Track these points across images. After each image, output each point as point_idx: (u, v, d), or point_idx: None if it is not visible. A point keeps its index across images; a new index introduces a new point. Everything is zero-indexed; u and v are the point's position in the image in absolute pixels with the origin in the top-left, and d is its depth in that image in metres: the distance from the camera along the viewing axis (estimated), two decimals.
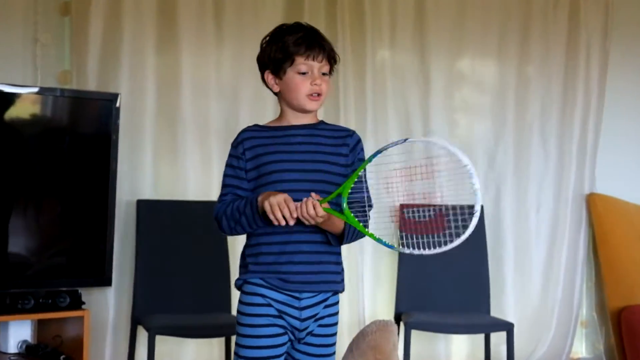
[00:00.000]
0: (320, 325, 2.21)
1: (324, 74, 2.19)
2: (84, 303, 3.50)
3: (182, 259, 3.88)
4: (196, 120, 4.04)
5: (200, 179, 4.05)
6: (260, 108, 4.08)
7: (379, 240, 2.12)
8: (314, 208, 2.04)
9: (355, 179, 2.10)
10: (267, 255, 2.17)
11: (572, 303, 4.53)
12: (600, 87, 4.59)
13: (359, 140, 2.28)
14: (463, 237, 2.11)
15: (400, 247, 2.13)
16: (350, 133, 2.28)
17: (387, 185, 2.18)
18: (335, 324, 2.25)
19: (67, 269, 3.54)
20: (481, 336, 4.19)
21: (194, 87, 4.03)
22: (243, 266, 2.24)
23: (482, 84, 4.54)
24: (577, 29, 4.55)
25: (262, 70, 2.23)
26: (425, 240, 2.11)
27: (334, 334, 2.25)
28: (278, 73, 2.19)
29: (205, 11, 4.03)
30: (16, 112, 3.45)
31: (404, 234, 2.13)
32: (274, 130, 2.23)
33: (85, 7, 3.81)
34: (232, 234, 2.24)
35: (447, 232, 2.11)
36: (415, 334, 3.86)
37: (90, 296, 3.73)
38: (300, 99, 2.18)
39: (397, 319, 4.01)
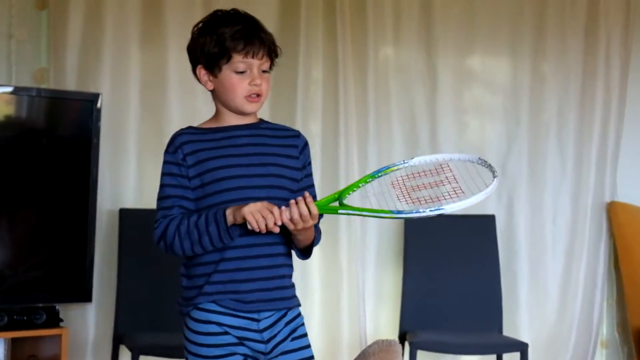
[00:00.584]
0: (293, 339, 2.17)
1: (264, 71, 2.13)
2: (61, 320, 3.51)
3: (168, 273, 3.76)
4: (184, 122, 3.90)
5: None
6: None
7: (391, 212, 2.02)
8: (309, 207, 2.01)
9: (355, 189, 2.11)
10: (222, 274, 2.10)
11: (591, 321, 4.53)
12: (621, 86, 4.59)
13: (306, 142, 2.25)
14: (484, 193, 2.03)
15: (415, 210, 2.03)
16: (297, 134, 2.24)
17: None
18: (306, 334, 2.20)
19: (43, 283, 3.56)
20: (493, 357, 4.16)
21: (181, 86, 4.03)
22: (189, 287, 2.15)
23: (494, 83, 4.53)
24: (596, 23, 4.54)
25: (194, 63, 2.15)
26: (437, 195, 2.05)
27: (309, 345, 2.20)
28: (212, 69, 2.11)
29: (194, 2, 4.05)
30: None
31: (409, 198, 2.09)
32: (213, 133, 2.15)
33: (64, 0, 3.82)
34: (183, 255, 2.12)
35: (459, 186, 2.06)
36: (421, 354, 3.85)
37: (69, 313, 3.74)
38: (238, 101, 2.11)
39: (402, 338, 4.01)
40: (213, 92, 2.16)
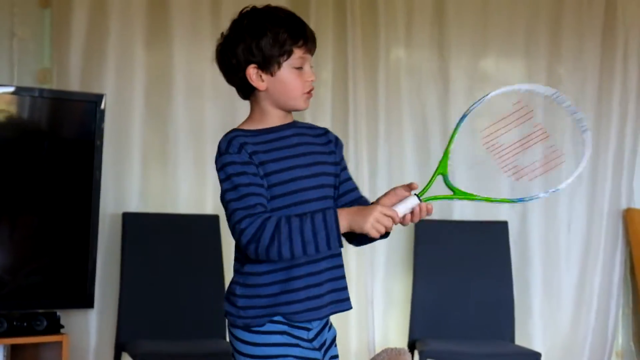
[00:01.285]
0: (335, 345, 2.17)
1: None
2: (62, 327, 3.51)
3: (172, 279, 3.89)
4: (190, 124, 4.05)
5: (194, 190, 4.06)
6: None
7: (512, 200, 2.14)
8: (427, 208, 2.04)
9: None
10: (290, 294, 2.04)
11: (606, 331, 4.53)
12: (639, 89, 4.59)
13: (337, 137, 2.23)
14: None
15: (534, 196, 2.12)
16: (327, 130, 2.22)
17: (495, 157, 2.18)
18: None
19: (44, 288, 3.56)
20: None
21: (187, 87, 4.05)
22: (247, 307, 2.07)
23: (508, 85, 4.54)
24: (613, 24, 4.54)
25: (245, 62, 2.04)
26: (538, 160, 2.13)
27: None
28: (269, 68, 2.05)
29: (201, 2, 4.05)
30: None
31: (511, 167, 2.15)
32: (264, 134, 2.09)
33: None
34: (278, 259, 1.99)
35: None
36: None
37: (70, 319, 3.74)
38: (298, 98, 2.08)
39: (411, 346, 3.99)
40: (258, 92, 2.07)
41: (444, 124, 4.38)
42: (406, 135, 4.35)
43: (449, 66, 4.38)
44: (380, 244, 4.25)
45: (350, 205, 2.12)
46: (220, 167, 2.04)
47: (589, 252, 4.53)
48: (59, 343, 3.43)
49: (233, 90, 4.36)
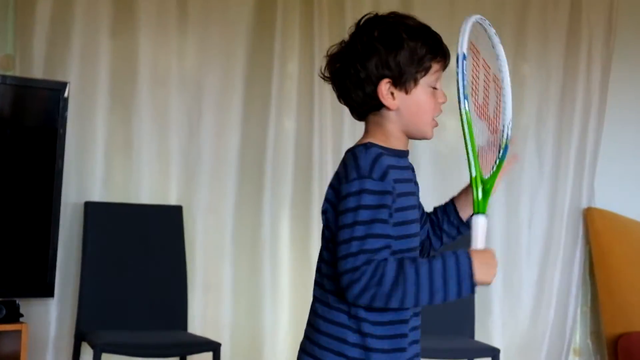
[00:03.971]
0: None
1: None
2: (22, 315, 3.48)
3: (134, 269, 3.89)
4: (154, 114, 4.04)
5: (157, 180, 4.05)
6: (226, 102, 4.11)
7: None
8: None
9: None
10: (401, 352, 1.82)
11: (564, 328, 4.57)
12: (602, 89, 4.63)
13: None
14: None
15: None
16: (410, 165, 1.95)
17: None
18: None
19: (4, 277, 3.53)
20: None
21: (152, 76, 4.02)
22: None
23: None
24: (578, 24, 4.57)
25: (378, 75, 1.80)
26: None
27: None
28: (405, 85, 1.81)
29: None
30: None
31: None
32: (397, 157, 1.84)
33: None
34: (400, 306, 1.73)
35: None
36: None
37: (30, 308, 3.71)
38: (429, 123, 1.85)
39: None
40: (387, 111, 1.83)
41: None
42: None
43: None
44: None
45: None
46: (358, 192, 1.73)
47: (549, 250, 4.57)
48: (18, 332, 3.40)
49: (199, 80, 4.33)
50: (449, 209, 2.04)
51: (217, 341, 3.58)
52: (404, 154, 1.86)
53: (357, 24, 1.86)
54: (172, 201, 4.06)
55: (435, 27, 4.58)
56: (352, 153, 1.78)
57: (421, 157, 4.40)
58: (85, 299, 3.77)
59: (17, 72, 3.79)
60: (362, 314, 1.75)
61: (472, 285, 1.71)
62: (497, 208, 4.48)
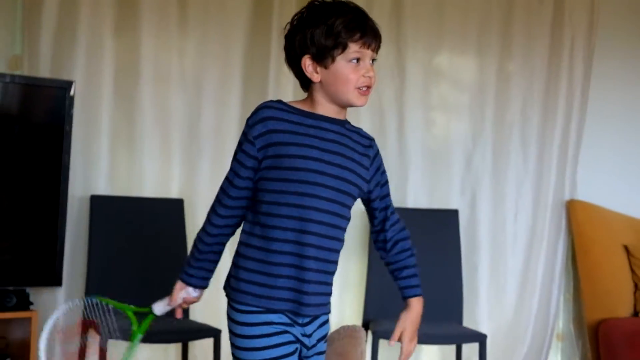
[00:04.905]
0: (324, 342, 2.15)
1: (373, 60, 2.02)
2: (32, 303, 3.50)
3: (137, 260, 3.90)
4: (156, 111, 4.05)
5: (160, 175, 4.07)
6: (225, 98, 4.12)
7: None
8: None
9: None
10: (286, 279, 2.01)
11: (548, 315, 4.59)
12: (584, 86, 4.65)
13: (378, 151, 2.15)
14: None
15: None
16: (371, 143, 2.13)
17: None
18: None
19: (14, 267, 3.54)
20: (452, 347, 4.23)
21: (154, 75, 4.03)
22: (247, 281, 2.04)
23: (461, 80, 4.56)
24: (561, 24, 4.59)
25: (300, 53, 1.99)
26: None
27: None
28: (323, 61, 1.97)
29: None
30: None
31: None
32: (301, 116, 2.02)
33: None
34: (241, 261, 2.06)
35: None
36: (383, 343, 3.87)
37: (39, 296, 3.73)
38: (350, 93, 1.99)
39: (365, 326, 4.03)
40: (313, 84, 2.02)
41: (400, 115, 4.42)
42: (364, 124, 4.27)
43: (405, 61, 4.40)
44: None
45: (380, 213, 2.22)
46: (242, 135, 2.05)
47: (534, 240, 4.59)
48: (28, 319, 3.42)
49: (199, 78, 4.37)
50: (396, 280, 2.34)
51: (218, 328, 3.60)
52: (324, 119, 2.03)
53: (298, 11, 2.05)
54: (174, 194, 4.08)
55: (423, 25, 4.58)
56: None
57: (412, 151, 4.43)
58: (92, 287, 3.77)
59: (25, 71, 3.80)
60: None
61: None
62: (484, 200, 4.53)
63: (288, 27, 2.05)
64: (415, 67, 4.45)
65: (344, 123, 2.07)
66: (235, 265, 2.08)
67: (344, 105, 2.04)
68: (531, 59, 4.60)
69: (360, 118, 4.34)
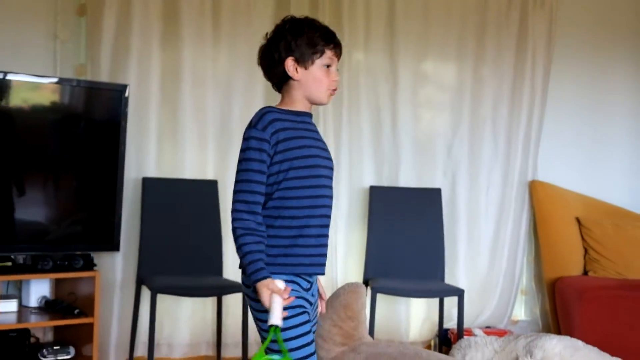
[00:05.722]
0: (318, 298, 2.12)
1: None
2: (95, 265, 3.55)
3: (180, 229, 3.91)
4: (194, 109, 4.05)
5: (197, 160, 4.06)
6: (251, 98, 4.11)
7: None
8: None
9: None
10: (300, 248, 1.97)
11: (514, 274, 4.58)
12: (543, 87, 4.61)
13: None
14: None
15: None
16: None
17: None
18: None
19: (81, 236, 3.57)
20: (436, 300, 4.23)
21: (193, 79, 4.02)
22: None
23: (443, 83, 4.53)
24: (525, 36, 4.56)
25: (285, 56, 1.99)
26: None
27: None
28: (304, 63, 2.00)
29: (205, 11, 4.04)
30: (39, 99, 3.46)
31: None
32: (292, 114, 2.02)
33: (100, 8, 3.82)
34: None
35: None
36: (380, 297, 3.90)
37: (101, 259, 3.77)
38: (322, 93, 2.03)
39: (365, 284, 4.02)
40: (293, 81, 2.02)
41: (393, 113, 4.39)
42: (363, 120, 4.36)
43: (397, 68, 4.38)
44: (342, 203, 4.30)
45: None
46: (247, 139, 1.96)
47: (502, 213, 4.56)
48: (93, 278, 3.45)
49: (229, 82, 4.37)
50: None
51: None
52: (304, 113, 2.04)
53: (276, 25, 2.06)
54: (210, 176, 4.08)
55: (412, 37, 4.53)
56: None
57: (403, 140, 4.41)
58: (144, 252, 3.82)
59: (89, 77, 3.81)
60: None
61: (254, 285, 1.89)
62: (462, 180, 4.50)
63: (269, 35, 2.05)
64: (405, 72, 4.42)
65: (311, 115, 2.10)
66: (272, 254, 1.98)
67: (313, 102, 2.06)
68: (500, 65, 4.57)
69: (360, 114, 4.37)
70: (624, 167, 4.90)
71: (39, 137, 3.47)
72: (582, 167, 4.83)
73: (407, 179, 4.45)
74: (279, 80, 2.05)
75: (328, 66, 2.03)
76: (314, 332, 2.03)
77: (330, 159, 2.07)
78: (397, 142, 4.43)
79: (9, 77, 3.35)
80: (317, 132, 2.08)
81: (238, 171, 1.97)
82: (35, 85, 3.43)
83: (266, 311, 1.88)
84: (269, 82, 2.09)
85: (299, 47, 2.00)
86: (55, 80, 3.52)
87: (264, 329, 1.93)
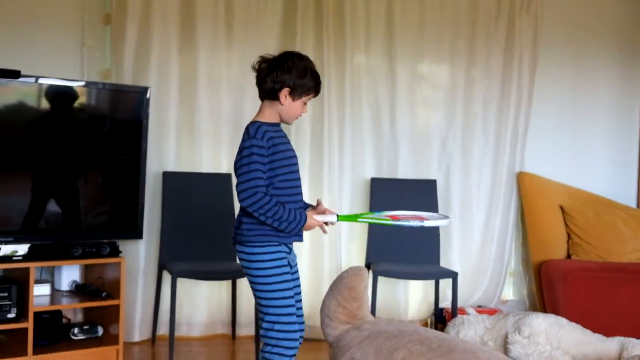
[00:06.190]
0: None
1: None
2: (120, 252, 3.54)
3: (197, 218, 3.92)
4: (210, 109, 4.05)
5: (212, 155, 4.07)
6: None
7: (393, 223, 2.49)
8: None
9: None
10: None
11: (503, 257, 4.58)
12: (529, 86, 4.59)
13: None
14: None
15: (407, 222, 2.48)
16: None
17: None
18: None
19: (108, 225, 3.58)
20: (432, 282, 4.25)
21: (208, 82, 4.02)
22: (254, 229, 2.39)
23: (437, 83, 4.51)
24: (512, 40, 4.54)
25: (285, 86, 2.35)
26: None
27: None
28: (293, 96, 2.38)
29: (218, 21, 4.04)
30: (68, 101, 3.47)
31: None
32: (274, 126, 2.41)
33: (123, 18, 3.83)
34: (256, 218, 2.35)
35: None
36: (381, 279, 3.91)
37: (126, 247, 3.78)
38: (292, 118, 2.43)
39: (367, 267, 4.00)
40: (277, 103, 2.38)
41: (392, 110, 4.38)
42: (364, 117, 4.36)
43: (395, 69, 4.37)
44: (345, 192, 4.31)
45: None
46: (248, 147, 2.32)
47: (492, 202, 4.55)
48: (118, 264, 3.45)
49: (241, 84, 4.37)
50: None
51: None
52: (277, 125, 2.43)
53: (280, 55, 2.41)
54: (224, 170, 4.08)
55: (409, 41, 4.54)
56: (247, 128, 2.37)
57: (401, 136, 4.41)
58: (164, 240, 3.84)
59: (113, 80, 3.82)
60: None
61: (301, 230, 2.39)
62: (455, 172, 4.49)
63: (276, 58, 2.38)
64: (403, 72, 4.41)
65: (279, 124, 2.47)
66: (252, 222, 2.38)
67: (282, 121, 2.45)
68: (490, 66, 4.55)
69: (362, 112, 4.36)
70: (603, 159, 4.89)
71: (69, 135, 3.46)
72: (566, 159, 4.82)
73: (405, 171, 4.45)
74: (267, 94, 2.39)
75: (305, 103, 2.42)
76: (295, 287, 2.47)
77: (296, 156, 2.47)
78: (395, 138, 4.43)
79: (41, 81, 3.36)
80: (286, 136, 2.47)
81: (245, 170, 2.32)
82: (64, 89, 3.44)
83: (257, 269, 2.37)
84: (257, 87, 2.42)
85: (296, 86, 2.36)
86: (83, 83, 3.52)
87: (255, 282, 2.38)
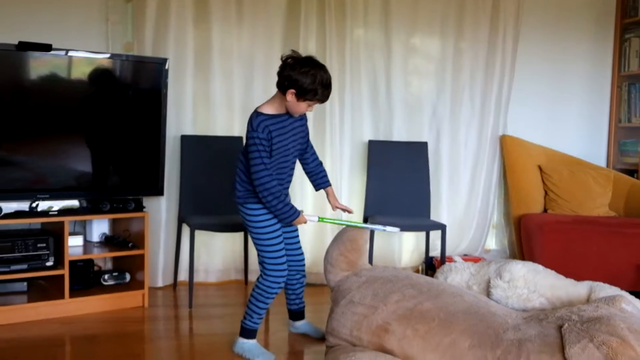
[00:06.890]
0: None
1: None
2: (144, 207, 3.58)
3: (212, 176, 3.91)
4: (223, 78, 4.01)
5: (226, 120, 4.04)
6: (269, 69, 4.06)
7: (362, 224, 2.73)
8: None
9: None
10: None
11: (487, 211, 4.58)
12: (512, 58, 4.56)
13: (306, 122, 2.77)
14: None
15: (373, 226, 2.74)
16: (304, 117, 2.76)
17: None
18: None
19: (132, 183, 3.58)
20: (423, 233, 4.30)
21: (221, 53, 3.99)
22: (250, 190, 2.63)
23: (429, 54, 4.48)
24: (497, 15, 4.49)
25: (293, 86, 2.44)
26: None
27: None
28: (299, 97, 2.47)
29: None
30: (94, 71, 3.44)
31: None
32: (275, 118, 2.53)
33: None
34: (258, 194, 2.57)
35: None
36: (377, 231, 3.96)
37: (149, 202, 3.82)
38: (296, 113, 2.56)
39: (365, 220, 4.06)
40: (284, 95, 2.49)
41: (388, 80, 4.34)
42: (363, 85, 4.33)
43: (391, 42, 4.33)
44: (345, 155, 4.29)
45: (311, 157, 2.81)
46: (253, 137, 2.49)
47: (477, 162, 4.54)
48: (142, 218, 3.48)
49: (251, 55, 4.32)
50: (317, 185, 2.89)
51: None
52: (283, 115, 2.56)
53: (305, 58, 2.48)
54: (236, 133, 4.06)
55: (404, 15, 4.45)
56: (250, 119, 2.53)
57: (396, 102, 4.37)
58: (183, 196, 3.82)
59: (135, 52, 3.78)
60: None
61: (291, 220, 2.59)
62: (444, 135, 4.46)
63: (294, 59, 2.48)
64: (398, 45, 4.37)
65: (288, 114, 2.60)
66: (246, 189, 2.65)
67: (288, 113, 2.58)
68: (477, 39, 4.51)
69: (361, 81, 4.32)
70: (578, 124, 4.88)
71: (96, 103, 3.43)
72: (544, 124, 4.81)
73: (399, 134, 4.43)
74: (279, 87, 2.51)
75: (310, 105, 2.52)
76: (293, 237, 2.83)
77: (299, 144, 2.66)
78: (391, 104, 4.39)
79: (71, 54, 3.34)
80: (290, 126, 2.58)
81: (255, 156, 2.51)
82: (91, 60, 3.41)
83: (251, 221, 2.68)
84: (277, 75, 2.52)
85: (304, 91, 2.44)
86: (108, 55, 3.48)
87: (254, 232, 2.65)
